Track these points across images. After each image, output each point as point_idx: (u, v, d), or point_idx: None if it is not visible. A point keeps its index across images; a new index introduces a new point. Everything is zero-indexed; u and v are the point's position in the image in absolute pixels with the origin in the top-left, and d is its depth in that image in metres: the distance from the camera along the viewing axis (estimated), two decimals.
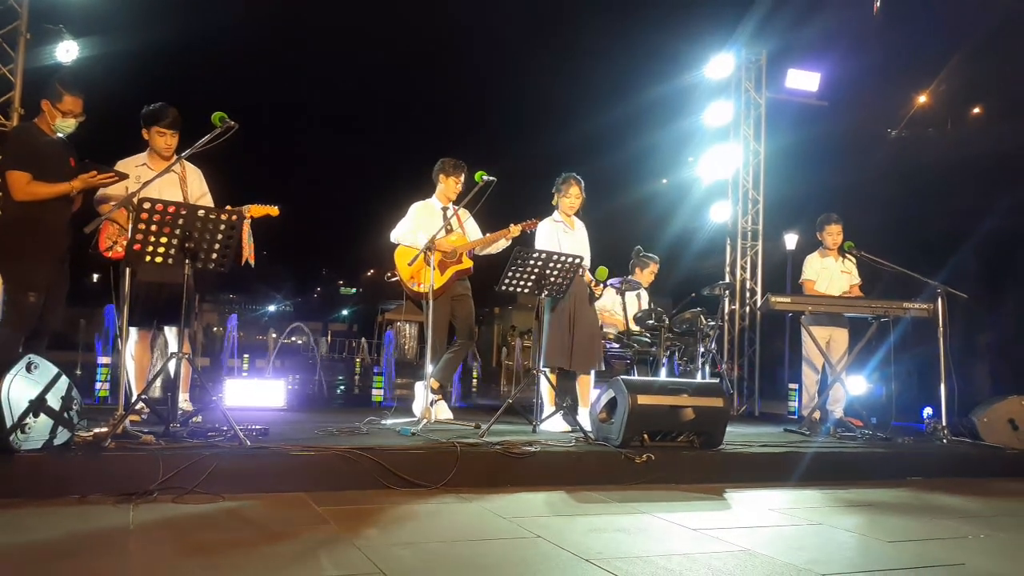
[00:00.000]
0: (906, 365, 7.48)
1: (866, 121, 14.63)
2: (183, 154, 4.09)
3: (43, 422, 3.13)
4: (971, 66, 13.56)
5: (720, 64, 9.04)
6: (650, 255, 6.71)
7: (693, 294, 7.09)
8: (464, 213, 5.41)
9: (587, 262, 5.33)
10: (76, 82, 4.17)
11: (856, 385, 6.33)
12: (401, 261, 5.21)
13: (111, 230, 4.30)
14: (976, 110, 14.87)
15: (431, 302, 4.88)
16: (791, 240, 17.36)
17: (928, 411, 6.13)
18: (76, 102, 4.14)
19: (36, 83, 5.44)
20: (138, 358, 4.56)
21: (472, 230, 5.45)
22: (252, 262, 4.54)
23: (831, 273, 6.34)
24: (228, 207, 4.38)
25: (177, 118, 4.46)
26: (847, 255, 6.16)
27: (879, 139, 15.33)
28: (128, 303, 4.08)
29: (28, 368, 3.13)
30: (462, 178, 5.37)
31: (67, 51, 6.50)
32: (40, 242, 4.08)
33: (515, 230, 5.27)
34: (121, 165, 4.40)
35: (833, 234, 6.31)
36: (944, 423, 5.42)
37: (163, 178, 4.21)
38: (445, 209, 5.32)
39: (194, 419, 4.01)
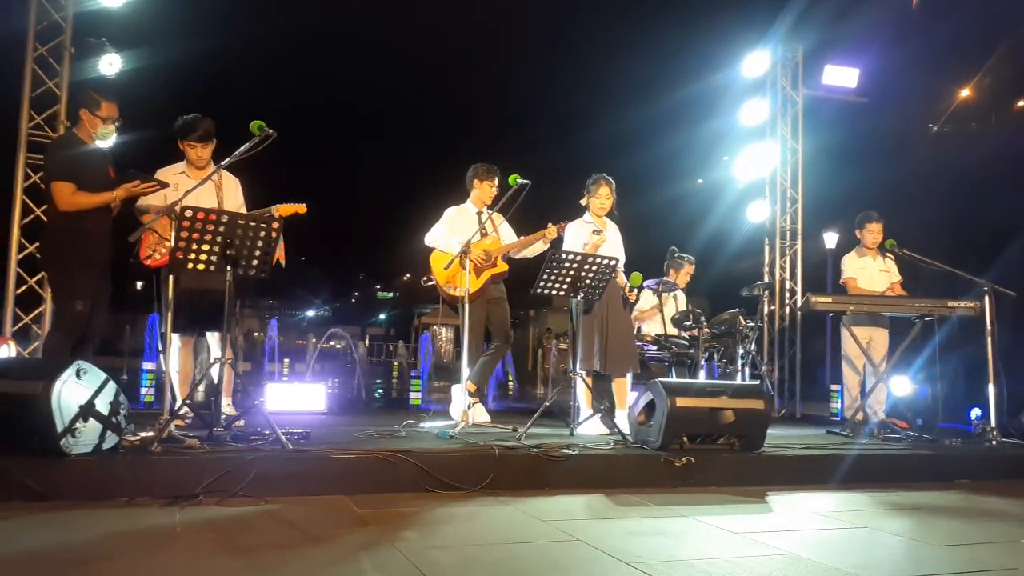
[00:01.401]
0: (953, 365, 7.30)
1: (907, 117, 14.32)
2: (222, 163, 4.16)
3: (92, 427, 3.20)
4: (1015, 58, 13.21)
5: (755, 62, 8.93)
6: (685, 255, 6.66)
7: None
8: (498, 217, 5.42)
9: (621, 264, 5.30)
10: (109, 88, 4.28)
11: (900, 386, 6.20)
12: (437, 265, 5.24)
13: (151, 239, 4.38)
14: (1020, 103, 14.47)
15: (467, 306, 4.90)
16: (831, 239, 17.09)
17: (976, 412, 5.98)
18: (112, 107, 4.26)
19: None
20: (182, 364, 4.65)
21: (507, 234, 5.45)
22: (283, 263, 4.60)
23: (870, 272, 6.23)
24: (261, 212, 4.45)
25: (208, 131, 4.51)
26: (887, 253, 6.04)
27: (920, 135, 15.00)
28: (171, 310, 4.16)
29: (78, 374, 3.20)
30: (496, 182, 5.38)
31: (110, 64, 6.63)
32: (84, 251, 4.18)
33: (551, 232, 5.26)
34: (160, 174, 4.49)
35: (874, 232, 6.19)
36: (993, 424, 5.27)
37: (200, 187, 4.28)
38: (480, 213, 5.34)
39: (237, 423, 4.07)
